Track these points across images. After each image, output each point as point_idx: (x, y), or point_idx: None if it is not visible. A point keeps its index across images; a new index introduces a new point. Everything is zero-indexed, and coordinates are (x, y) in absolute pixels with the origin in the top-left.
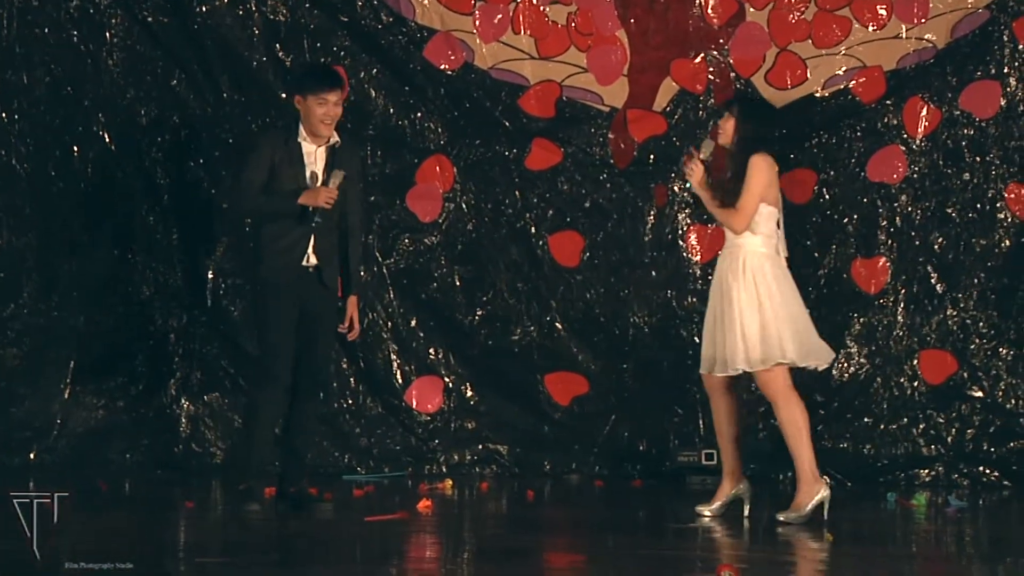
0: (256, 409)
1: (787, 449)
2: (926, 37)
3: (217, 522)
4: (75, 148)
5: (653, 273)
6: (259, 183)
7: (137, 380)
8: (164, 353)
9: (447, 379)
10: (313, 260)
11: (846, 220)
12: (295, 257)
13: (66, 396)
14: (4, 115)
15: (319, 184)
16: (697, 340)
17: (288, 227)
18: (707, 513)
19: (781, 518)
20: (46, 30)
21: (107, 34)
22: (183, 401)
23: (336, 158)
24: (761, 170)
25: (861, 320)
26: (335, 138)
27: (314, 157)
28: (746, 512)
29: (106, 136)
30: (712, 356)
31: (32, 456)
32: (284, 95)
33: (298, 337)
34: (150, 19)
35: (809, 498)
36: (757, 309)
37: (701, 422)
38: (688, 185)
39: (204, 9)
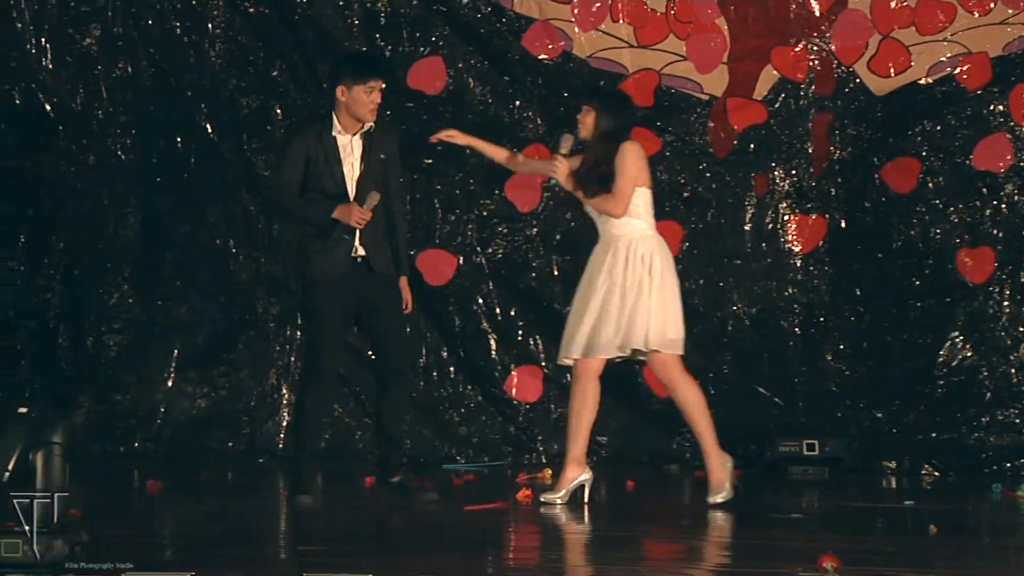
0: (303, 404)
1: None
2: None
3: (318, 511)
4: (178, 139)
5: (752, 264)
6: (296, 183)
7: (239, 369)
8: (265, 342)
9: (546, 368)
10: (361, 252)
11: (951, 209)
12: (342, 252)
13: (169, 385)
14: (109, 107)
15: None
16: (798, 331)
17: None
18: (557, 500)
19: (714, 500)
20: (149, 22)
21: (209, 25)
22: (283, 389)
23: (372, 144)
24: (634, 154)
25: (966, 310)
26: (369, 124)
27: (350, 148)
28: (586, 498)
29: (208, 127)
30: (607, 339)
31: (136, 445)
32: (326, 85)
33: (366, 330)
34: (251, 10)
35: (724, 471)
36: (668, 291)
37: (802, 412)
38: (554, 182)
39: (304, 0)
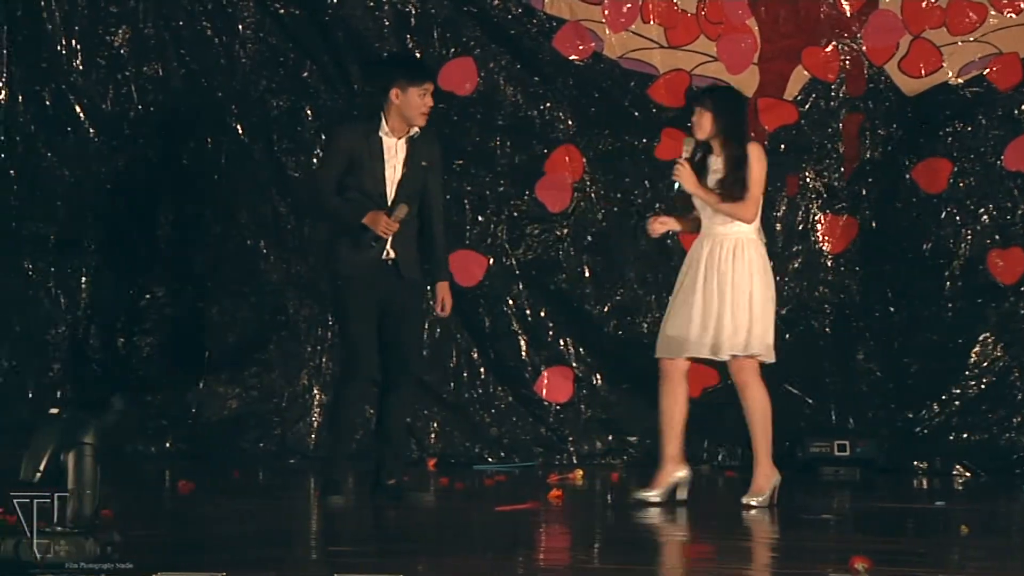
0: (339, 402)
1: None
2: None
3: (349, 511)
4: (208, 140)
5: (784, 263)
6: (334, 180)
7: (270, 370)
8: (296, 342)
9: (577, 369)
10: (392, 254)
11: (982, 210)
12: (375, 251)
13: (200, 386)
14: (140, 107)
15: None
16: (829, 331)
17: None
18: (653, 498)
19: (747, 502)
20: (180, 23)
21: (239, 26)
22: (315, 390)
23: (416, 149)
24: (762, 159)
25: (997, 311)
26: (414, 129)
27: (394, 150)
28: (684, 497)
29: (239, 128)
30: (698, 340)
31: (168, 445)
32: (372, 88)
33: (382, 330)
34: (282, 11)
35: (768, 482)
36: (765, 296)
37: (833, 412)
38: (678, 187)
39: (335, 0)
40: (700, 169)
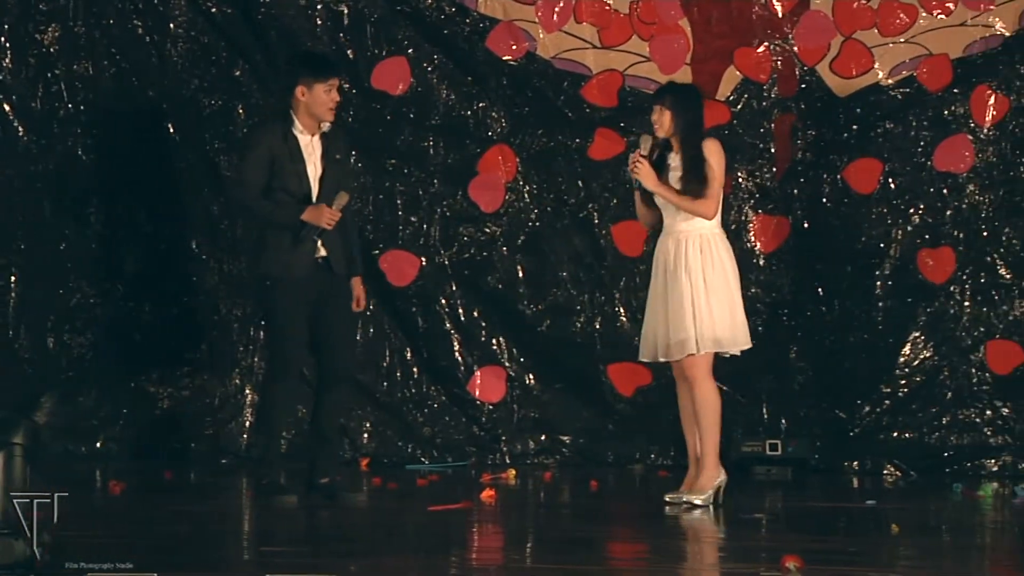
0: (273, 402)
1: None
2: (993, 24)
3: (282, 511)
4: (140, 139)
5: None
6: (261, 183)
7: (201, 370)
8: (228, 343)
9: (510, 369)
10: (323, 252)
11: (912, 210)
12: (307, 251)
13: (131, 385)
14: (70, 106)
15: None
16: (761, 330)
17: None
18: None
19: (689, 500)
20: (111, 21)
21: (171, 25)
22: (247, 390)
23: (329, 144)
24: (720, 154)
25: (928, 310)
26: (325, 124)
27: (311, 147)
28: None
29: (170, 127)
30: (666, 340)
31: (98, 445)
32: (280, 88)
33: (316, 329)
34: (214, 10)
35: (711, 482)
36: (724, 291)
37: (765, 412)
38: (636, 184)
39: (267, 0)
40: (659, 166)
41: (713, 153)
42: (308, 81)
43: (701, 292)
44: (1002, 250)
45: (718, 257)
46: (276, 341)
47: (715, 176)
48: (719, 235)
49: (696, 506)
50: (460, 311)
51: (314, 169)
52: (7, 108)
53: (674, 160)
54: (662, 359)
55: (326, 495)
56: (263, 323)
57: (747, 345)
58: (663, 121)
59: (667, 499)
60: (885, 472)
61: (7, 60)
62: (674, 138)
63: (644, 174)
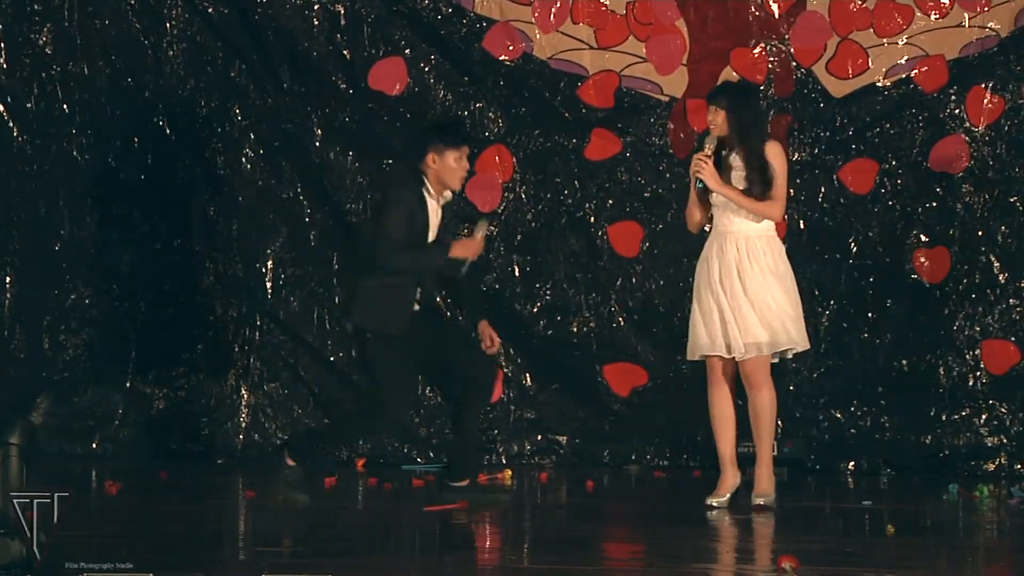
0: (359, 425)
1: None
2: (989, 25)
3: (278, 511)
4: (135, 139)
5: None
6: (407, 239)
7: (198, 370)
8: (224, 343)
9: (506, 369)
10: (417, 307)
11: (908, 210)
12: (410, 305)
13: (127, 386)
14: (65, 106)
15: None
16: None
17: (400, 280)
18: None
19: (759, 502)
20: (107, 21)
21: (167, 25)
22: (243, 391)
23: (445, 212)
24: (782, 155)
25: (923, 310)
26: (447, 193)
27: (435, 212)
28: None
29: (166, 127)
30: (712, 339)
31: (94, 445)
32: (411, 154)
33: (439, 357)
34: (210, 10)
35: (772, 483)
36: (777, 292)
37: None
38: (700, 185)
39: (264, 0)
40: (718, 166)
41: (776, 155)
42: (439, 148)
43: (756, 293)
44: (997, 250)
45: (769, 259)
46: (387, 395)
47: (780, 177)
48: (771, 237)
49: (762, 507)
50: (456, 311)
51: (432, 233)
52: (1, 108)
53: (735, 160)
54: (722, 355)
55: (470, 494)
56: (260, 323)
57: (805, 346)
58: (717, 120)
59: (712, 503)
60: (881, 472)
61: (2, 60)
62: (732, 137)
63: (708, 175)
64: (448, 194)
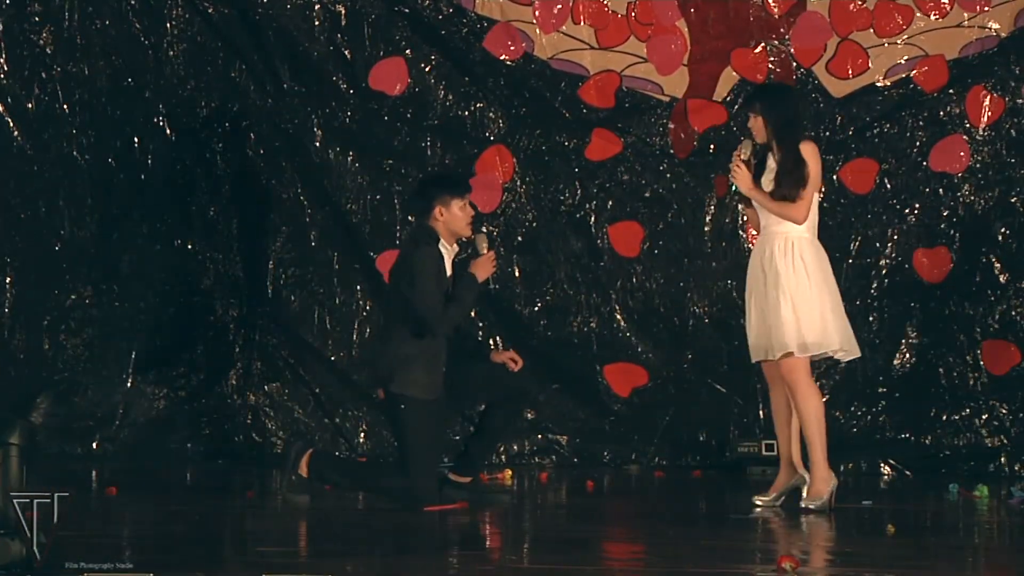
0: (384, 481)
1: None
2: (989, 25)
3: (278, 512)
4: (136, 139)
5: (713, 263)
6: (443, 297)
7: (198, 370)
8: (225, 343)
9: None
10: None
11: (908, 210)
12: (443, 368)
13: (128, 386)
14: (66, 106)
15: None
16: None
17: (436, 344)
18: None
19: (809, 506)
20: (107, 22)
21: (168, 25)
22: (244, 391)
23: (457, 264)
24: (815, 157)
25: (923, 310)
26: (456, 247)
27: (450, 264)
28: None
29: (167, 127)
30: (765, 342)
31: (95, 445)
32: (416, 212)
33: (472, 385)
34: (211, 10)
35: (826, 485)
36: (809, 294)
37: (761, 412)
38: (733, 188)
39: (264, 0)
40: (760, 168)
41: (810, 156)
42: (445, 200)
43: (787, 295)
44: (998, 250)
45: (801, 261)
46: (417, 461)
47: (809, 180)
48: (807, 239)
49: (811, 511)
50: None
51: (448, 284)
52: (1, 109)
53: (771, 161)
54: (766, 359)
55: (471, 492)
56: (261, 323)
57: (847, 349)
58: (757, 127)
59: (758, 503)
60: (881, 472)
61: (2, 60)
62: (771, 141)
63: (740, 178)
64: (456, 249)
